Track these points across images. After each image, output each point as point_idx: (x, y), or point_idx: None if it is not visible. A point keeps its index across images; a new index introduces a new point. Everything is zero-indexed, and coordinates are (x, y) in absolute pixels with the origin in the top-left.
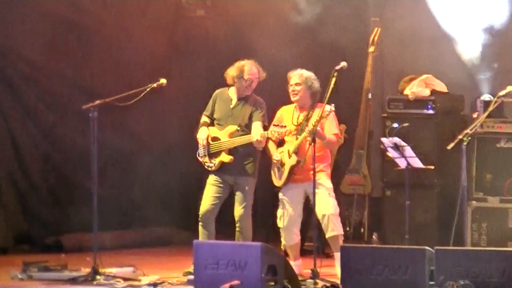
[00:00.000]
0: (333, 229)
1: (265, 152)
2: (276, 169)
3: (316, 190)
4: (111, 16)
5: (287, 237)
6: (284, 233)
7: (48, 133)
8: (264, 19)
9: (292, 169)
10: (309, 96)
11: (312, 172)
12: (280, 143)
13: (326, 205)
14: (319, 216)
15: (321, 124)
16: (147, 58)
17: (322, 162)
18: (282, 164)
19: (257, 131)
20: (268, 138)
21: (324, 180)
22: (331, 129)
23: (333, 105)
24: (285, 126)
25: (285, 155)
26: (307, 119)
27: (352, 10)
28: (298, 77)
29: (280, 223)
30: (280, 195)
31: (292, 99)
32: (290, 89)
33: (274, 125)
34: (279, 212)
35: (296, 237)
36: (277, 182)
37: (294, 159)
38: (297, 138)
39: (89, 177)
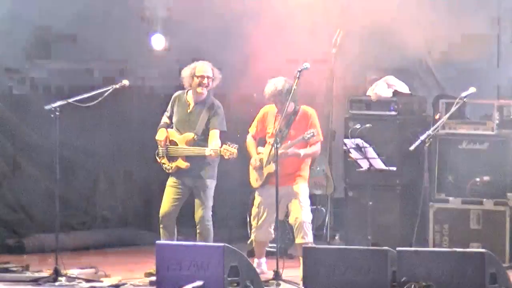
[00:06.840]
0: (303, 236)
1: (223, 155)
2: (254, 169)
3: (292, 197)
4: (73, 15)
5: (261, 234)
6: (258, 231)
7: (10, 133)
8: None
9: (270, 175)
10: (289, 100)
11: (289, 176)
12: (262, 142)
13: (299, 212)
14: (292, 219)
15: (297, 130)
16: (110, 58)
17: (301, 168)
18: (260, 167)
19: (211, 144)
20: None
21: (301, 187)
22: (316, 137)
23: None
24: (236, 147)
25: (264, 158)
26: (287, 125)
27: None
28: (274, 96)
29: (254, 222)
30: (256, 194)
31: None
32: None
33: (226, 143)
34: (254, 211)
35: (271, 235)
36: (255, 183)
37: (272, 168)
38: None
39: (51, 177)
